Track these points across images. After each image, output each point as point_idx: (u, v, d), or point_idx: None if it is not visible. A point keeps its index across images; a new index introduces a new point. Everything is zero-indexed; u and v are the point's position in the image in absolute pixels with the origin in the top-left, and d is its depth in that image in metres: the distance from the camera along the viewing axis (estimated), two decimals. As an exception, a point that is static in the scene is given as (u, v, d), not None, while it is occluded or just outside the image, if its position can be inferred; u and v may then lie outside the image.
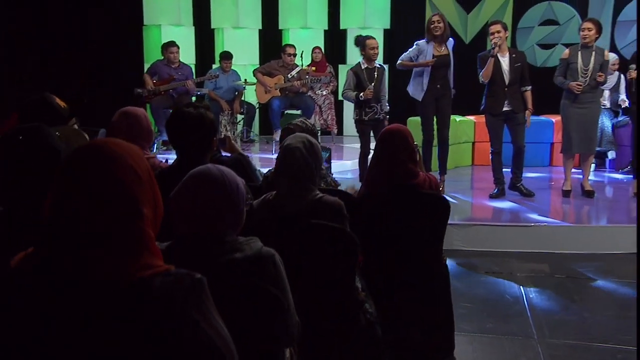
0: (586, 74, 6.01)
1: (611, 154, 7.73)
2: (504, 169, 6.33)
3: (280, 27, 10.48)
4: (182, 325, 1.17)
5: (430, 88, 6.19)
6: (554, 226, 5.45)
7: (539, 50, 9.87)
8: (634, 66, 5.81)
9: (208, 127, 2.64)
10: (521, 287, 4.48)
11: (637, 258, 3.06)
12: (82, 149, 1.24)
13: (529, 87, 6.08)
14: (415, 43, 6.28)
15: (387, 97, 6.47)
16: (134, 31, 9.46)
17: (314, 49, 9.34)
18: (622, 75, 7.49)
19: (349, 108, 8.63)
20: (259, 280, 1.72)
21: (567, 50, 6.26)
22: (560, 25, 9.72)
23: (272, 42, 10.26)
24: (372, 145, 5.89)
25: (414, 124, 6.81)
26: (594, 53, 6.01)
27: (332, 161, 5.74)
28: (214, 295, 1.26)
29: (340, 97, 8.61)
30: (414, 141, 3.05)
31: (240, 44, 9.95)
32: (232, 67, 8.96)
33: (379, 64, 6.36)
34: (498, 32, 5.95)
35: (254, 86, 8.77)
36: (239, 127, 8.91)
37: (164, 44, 8.28)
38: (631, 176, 6.40)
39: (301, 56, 8.80)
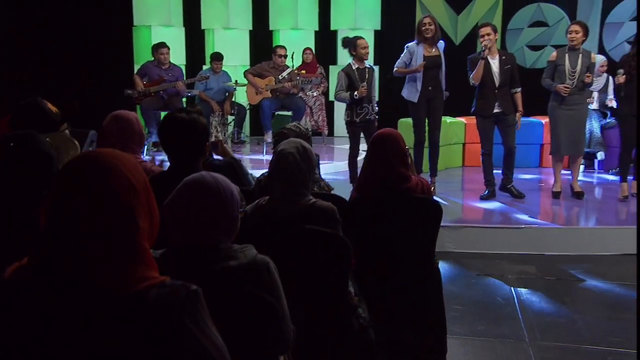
0: (573, 76, 6.05)
1: (600, 155, 7.78)
2: (494, 170, 6.36)
3: (270, 28, 10.48)
4: (178, 337, 1.17)
5: (423, 90, 6.20)
6: (544, 228, 5.49)
7: (528, 52, 9.93)
8: (622, 71, 5.84)
9: (201, 132, 2.64)
10: (512, 289, 4.51)
11: (637, 258, 3.08)
12: (77, 159, 1.24)
13: (519, 89, 6.12)
14: (405, 46, 6.29)
15: (377, 98, 6.47)
16: (123, 32, 9.41)
17: (304, 50, 9.34)
18: (610, 77, 7.55)
19: (339, 109, 8.63)
20: (254, 288, 1.72)
21: (554, 53, 6.29)
22: (550, 27, 9.78)
23: (262, 43, 10.26)
24: (362, 146, 5.97)
25: (406, 125, 6.84)
26: (580, 55, 6.05)
27: (323, 162, 5.76)
28: (209, 303, 1.26)
29: (331, 98, 8.61)
30: (406, 145, 3.07)
31: (231, 44, 9.94)
32: (223, 68, 8.94)
33: (369, 65, 6.38)
34: (488, 34, 5.98)
35: (245, 87, 8.76)
36: (230, 129, 8.89)
37: (155, 45, 8.25)
38: (618, 178, 6.44)
39: (292, 57, 8.80)
